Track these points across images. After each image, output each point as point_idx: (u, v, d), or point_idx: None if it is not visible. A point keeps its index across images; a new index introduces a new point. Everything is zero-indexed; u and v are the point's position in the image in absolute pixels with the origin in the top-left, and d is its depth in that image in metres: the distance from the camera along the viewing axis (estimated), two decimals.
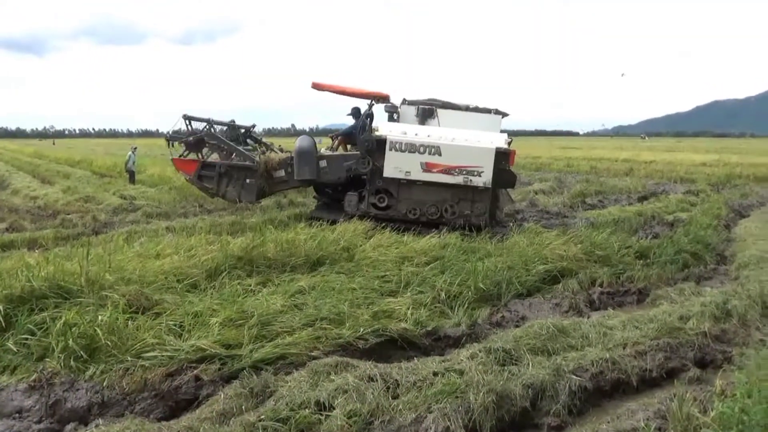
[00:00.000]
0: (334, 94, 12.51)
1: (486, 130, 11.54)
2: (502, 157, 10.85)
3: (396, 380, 4.18)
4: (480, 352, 4.61)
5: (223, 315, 5.30)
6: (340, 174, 11.30)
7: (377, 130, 11.17)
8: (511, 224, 11.45)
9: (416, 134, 10.88)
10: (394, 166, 10.78)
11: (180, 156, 11.97)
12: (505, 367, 4.45)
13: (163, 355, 4.61)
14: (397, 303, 5.91)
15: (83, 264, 6.10)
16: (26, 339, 4.92)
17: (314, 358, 4.70)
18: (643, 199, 17.47)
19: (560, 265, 7.70)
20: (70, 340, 4.65)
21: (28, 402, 4.21)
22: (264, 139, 13.92)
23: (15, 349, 4.83)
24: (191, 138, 11.55)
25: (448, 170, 10.73)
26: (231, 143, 11.88)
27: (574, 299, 6.64)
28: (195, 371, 4.44)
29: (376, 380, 4.14)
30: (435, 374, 4.28)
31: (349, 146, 12.42)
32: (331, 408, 3.80)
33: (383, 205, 11.08)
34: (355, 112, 12.21)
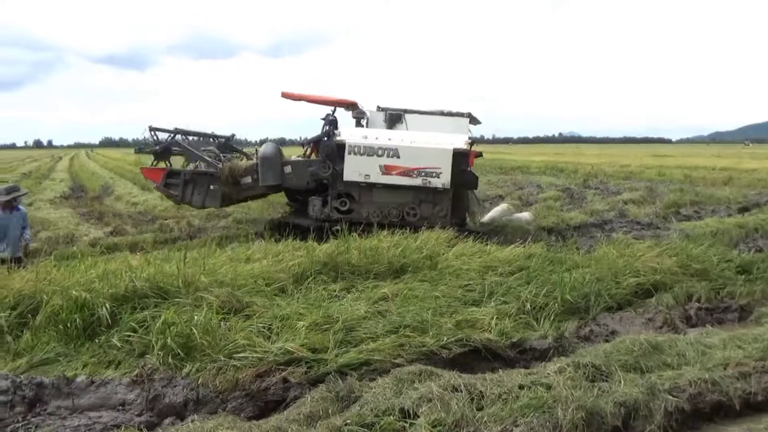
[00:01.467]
0: (305, 103, 12.63)
1: (452, 132, 11.57)
2: (461, 157, 10.90)
3: (480, 391, 4.12)
4: (568, 366, 4.46)
5: (310, 319, 5.43)
6: (306, 179, 11.48)
7: (338, 136, 11.30)
8: (570, 234, 11.03)
9: (376, 138, 11.07)
10: (353, 170, 10.92)
11: (151, 165, 12.24)
12: (595, 384, 4.28)
13: (253, 356, 4.77)
14: (480, 313, 5.84)
15: (180, 266, 6.44)
16: (129, 336, 5.24)
17: (398, 365, 4.72)
18: (744, 210, 16.34)
19: (653, 279, 7.32)
20: (169, 338, 4.91)
21: (130, 395, 4.48)
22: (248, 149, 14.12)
23: (119, 345, 5.16)
24: (158, 147, 11.83)
25: (406, 172, 10.81)
26: (194, 151, 12.04)
27: (668, 314, 6.31)
28: (283, 373, 4.58)
29: (461, 390, 4.10)
30: (521, 387, 4.18)
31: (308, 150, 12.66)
32: (415, 416, 3.80)
33: (345, 208, 11.25)
34: (329, 118, 12.26)
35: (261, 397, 4.44)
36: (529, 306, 6.13)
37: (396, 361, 4.80)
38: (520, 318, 5.92)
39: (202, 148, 12.30)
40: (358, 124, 12.14)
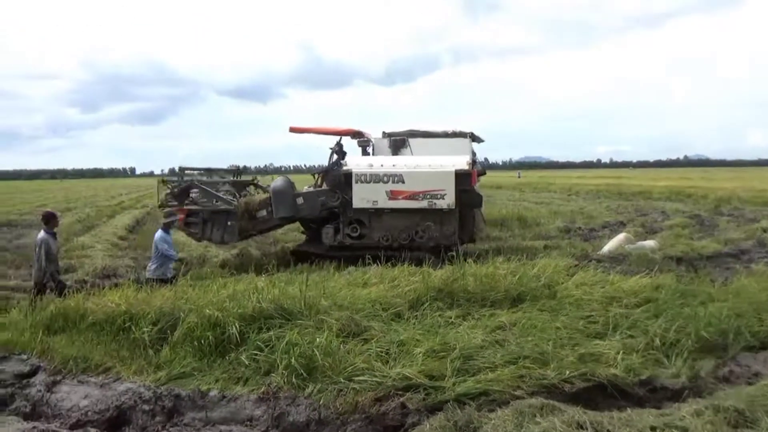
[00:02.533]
0: (313, 134, 13.22)
1: (454, 153, 12.07)
2: (463, 178, 11.41)
3: (608, 430, 3.90)
4: (706, 409, 4.11)
5: (426, 345, 5.42)
6: (318, 209, 11.88)
7: (345, 165, 11.83)
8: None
9: (381, 165, 11.64)
10: (361, 197, 11.51)
11: (160, 205, 12.54)
12: (738, 430, 3.92)
13: (372, 380, 4.84)
14: (604, 346, 5.54)
15: (302, 289, 6.69)
16: (256, 354, 5.51)
17: (517, 397, 4.59)
18: None
19: None
20: (293, 358, 5.12)
21: (257, 411, 4.69)
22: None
23: (247, 363, 5.44)
24: (176, 189, 12.05)
25: (412, 196, 11.40)
26: (210, 191, 12.28)
27: None
28: (401, 399, 4.60)
29: (586, 428, 3.90)
30: (652, 429, 3.91)
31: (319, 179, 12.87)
32: None
33: (356, 234, 11.73)
34: (338, 147, 12.79)
35: (380, 422, 4.48)
36: (658, 341, 5.73)
37: (516, 392, 4.66)
38: (648, 354, 5.54)
39: (221, 186, 12.68)
40: (364, 152, 12.60)
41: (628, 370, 5.11)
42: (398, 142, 12.75)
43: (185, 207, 11.75)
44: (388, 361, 5.21)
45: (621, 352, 5.39)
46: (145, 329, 6.18)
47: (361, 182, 11.53)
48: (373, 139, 12.92)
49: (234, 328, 5.85)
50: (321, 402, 4.66)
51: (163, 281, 8.53)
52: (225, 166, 14.04)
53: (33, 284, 8.43)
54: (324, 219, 12.17)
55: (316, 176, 13.14)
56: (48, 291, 7.94)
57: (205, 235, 11.89)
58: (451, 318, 6.39)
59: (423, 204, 11.41)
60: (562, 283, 7.62)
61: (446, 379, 4.85)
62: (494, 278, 7.42)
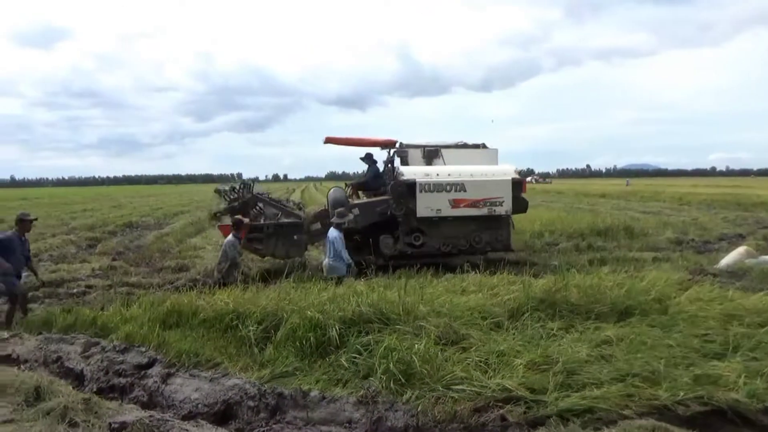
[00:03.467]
0: (348, 146, 13.23)
1: (488, 163, 12.66)
2: (517, 185, 12.11)
3: None
4: None
5: (527, 357, 5.26)
6: (372, 219, 11.87)
7: (402, 175, 11.81)
8: None
9: (442, 174, 11.86)
10: (425, 206, 11.68)
11: (215, 215, 12.46)
12: None
13: (470, 390, 4.76)
14: (724, 368, 5.11)
15: (401, 294, 6.71)
16: (355, 357, 5.58)
17: (625, 417, 4.34)
18: None
19: None
20: (391, 363, 5.13)
21: (356, 414, 4.73)
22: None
23: (346, 365, 5.52)
24: (236, 203, 11.56)
25: (473, 204, 11.81)
26: (278, 204, 12.16)
27: None
28: (501, 411, 4.47)
29: None
30: None
31: (360, 192, 12.91)
32: None
33: (419, 243, 11.85)
34: (368, 158, 13.10)
35: None
36: None
37: (623, 412, 4.40)
38: None
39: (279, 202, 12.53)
40: (404, 161, 12.52)
41: (751, 396, 4.67)
42: (432, 153, 12.94)
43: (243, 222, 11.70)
44: (487, 371, 5.10)
45: (743, 375, 4.95)
46: (250, 328, 6.44)
47: (425, 191, 11.73)
48: (410, 150, 12.94)
49: (334, 331, 5.96)
50: (419, 408, 4.63)
51: (339, 278, 9.03)
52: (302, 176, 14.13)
53: (216, 281, 9.20)
54: (368, 230, 12.07)
55: (348, 186, 13.43)
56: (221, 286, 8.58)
57: (268, 250, 11.68)
58: (553, 330, 6.17)
59: (483, 211, 11.89)
60: (675, 298, 7.16)
61: (548, 393, 4.67)
62: (599, 290, 7.09)
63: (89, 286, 10.96)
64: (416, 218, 11.76)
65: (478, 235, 12.06)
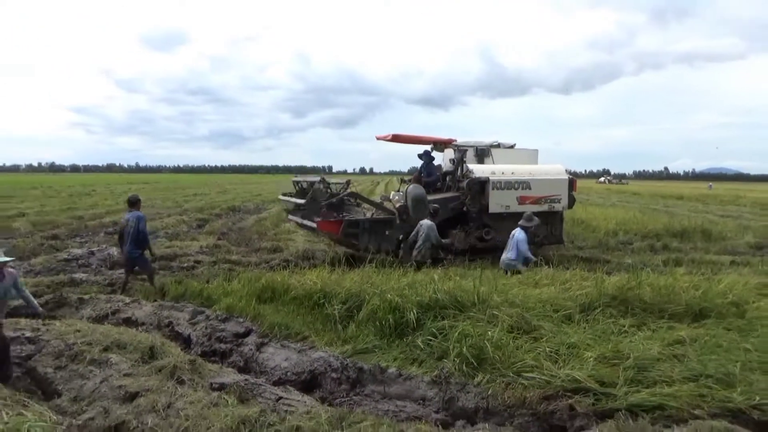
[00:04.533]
0: (411, 143, 13.27)
1: (530, 162, 12.91)
2: (572, 184, 12.37)
3: None
4: None
5: (597, 351, 5.05)
6: (446, 215, 11.63)
7: (473, 173, 11.86)
8: None
9: (507, 173, 11.95)
10: (496, 202, 11.74)
11: (296, 209, 12.25)
12: None
13: (540, 378, 4.63)
14: None
15: (476, 284, 6.62)
16: (430, 340, 5.57)
17: (697, 417, 4.07)
18: None
19: None
20: (464, 347, 5.08)
21: (430, 393, 4.72)
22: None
23: (422, 347, 5.52)
24: (334, 200, 11.25)
25: (537, 200, 11.97)
26: (371, 200, 12.08)
27: None
28: (570, 401, 4.33)
29: None
30: None
31: (407, 185, 12.34)
32: None
33: (489, 237, 11.78)
34: (426, 155, 13.09)
35: (546, 420, 4.26)
36: None
37: (695, 411, 4.14)
38: None
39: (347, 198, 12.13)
40: (461, 159, 12.40)
41: None
42: (484, 152, 12.99)
43: (339, 217, 11.31)
44: (557, 362, 4.94)
45: None
46: (336, 306, 6.57)
47: (497, 189, 11.82)
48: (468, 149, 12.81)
49: (412, 314, 5.97)
50: (489, 392, 4.56)
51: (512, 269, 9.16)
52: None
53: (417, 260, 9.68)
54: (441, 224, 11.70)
55: (403, 182, 13.31)
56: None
57: (363, 244, 11.41)
58: (624, 326, 5.88)
59: (544, 207, 12.04)
60: (753, 303, 6.64)
61: (618, 387, 4.47)
62: (674, 290, 6.68)
63: (197, 262, 11.53)
64: (488, 214, 11.76)
65: (537, 230, 11.63)
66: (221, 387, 4.55)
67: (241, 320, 6.63)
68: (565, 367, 4.78)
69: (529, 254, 9.19)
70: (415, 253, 9.82)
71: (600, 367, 4.77)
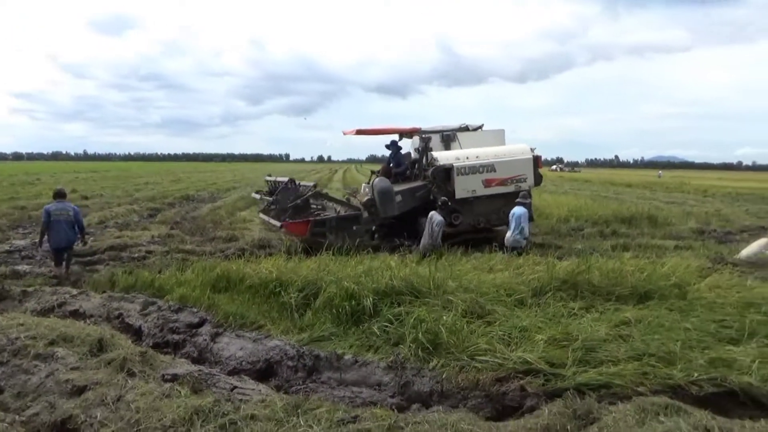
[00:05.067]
0: (377, 135, 13.30)
1: (498, 144, 13.01)
2: (536, 162, 12.54)
3: None
4: None
5: (548, 333, 5.20)
6: (413, 204, 11.78)
7: (438, 161, 11.95)
8: None
9: (471, 157, 12.05)
10: (462, 188, 11.83)
11: (263, 210, 12.56)
12: None
13: (493, 361, 4.74)
14: (738, 353, 4.94)
15: (431, 270, 6.70)
16: (386, 326, 5.62)
17: (640, 393, 4.25)
18: None
19: None
20: (420, 333, 5.15)
21: (385, 378, 4.77)
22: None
23: (378, 333, 5.56)
24: (299, 201, 11.42)
25: (502, 182, 12.10)
26: (339, 199, 12.31)
27: None
28: (521, 382, 4.45)
29: None
30: None
31: (376, 177, 12.54)
32: None
33: (458, 222, 11.83)
34: (393, 145, 13.13)
35: (499, 401, 4.37)
36: None
37: (638, 389, 4.31)
38: None
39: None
40: (426, 145, 12.52)
41: (764, 380, 4.52)
42: (449, 137, 13.12)
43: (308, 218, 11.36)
44: (509, 345, 5.07)
45: (757, 360, 4.78)
46: (292, 295, 6.54)
47: (462, 174, 11.89)
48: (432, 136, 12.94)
49: (368, 301, 6.01)
50: (444, 376, 4.64)
51: (517, 249, 9.33)
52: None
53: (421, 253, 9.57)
54: (409, 213, 11.97)
55: (372, 173, 13.31)
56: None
57: (331, 241, 11.16)
58: (574, 309, 6.07)
59: (511, 188, 12.11)
60: (694, 285, 6.96)
61: (567, 367, 4.62)
62: (621, 274, 6.93)
63: (149, 252, 11.26)
64: (455, 200, 11.75)
65: (506, 210, 11.82)
66: (174, 378, 4.48)
67: (195, 310, 6.52)
68: (517, 350, 4.91)
69: (527, 230, 9.46)
70: (421, 248, 9.81)
71: (550, 349, 4.91)
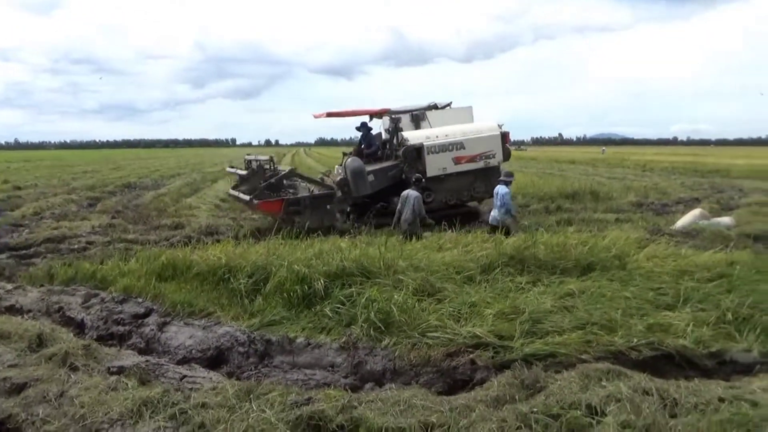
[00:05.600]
0: (347, 117, 13.49)
1: (466, 121, 13.37)
2: (504, 138, 12.87)
3: (674, 399, 3.69)
4: None
5: (496, 308, 5.33)
6: (386, 183, 12.05)
7: (408, 141, 12.26)
8: None
9: (441, 135, 12.36)
10: (434, 166, 12.16)
11: (233, 187, 12.83)
12: None
13: (444, 337, 4.83)
14: (674, 318, 5.23)
15: (381, 250, 6.73)
16: (338, 308, 5.62)
17: (584, 361, 4.44)
18: None
19: None
20: (371, 313, 5.18)
21: (338, 359, 4.80)
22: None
23: (330, 315, 5.56)
24: (273, 180, 11.51)
25: (471, 159, 12.44)
26: (312, 178, 12.49)
27: None
28: (471, 355, 4.56)
29: (652, 394, 3.72)
30: (721, 400, 3.67)
31: (348, 158, 12.69)
32: (602, 414, 3.53)
33: (430, 199, 12.01)
34: (364, 126, 13.36)
35: (450, 375, 4.48)
36: (730, 316, 5.34)
37: (582, 356, 4.51)
38: (719, 328, 5.18)
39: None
40: (396, 126, 12.74)
41: (698, 342, 4.81)
42: (419, 117, 13.42)
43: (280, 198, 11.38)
44: (459, 320, 5.18)
45: (691, 324, 5.07)
46: (241, 281, 6.44)
47: (432, 153, 12.19)
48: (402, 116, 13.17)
49: (319, 284, 5.98)
50: (396, 354, 4.71)
51: (494, 227, 9.40)
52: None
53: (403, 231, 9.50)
54: (381, 192, 12.16)
55: (344, 155, 13.32)
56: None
57: (306, 220, 11.20)
58: (521, 283, 6.24)
59: (480, 164, 12.51)
60: (633, 255, 7.26)
61: (515, 339, 4.76)
62: (565, 248, 7.15)
63: (89, 242, 10.84)
64: (426, 178, 11.85)
65: (476, 186, 12.69)
66: (120, 370, 4.37)
67: (141, 300, 6.35)
68: (467, 325, 5.02)
69: (513, 208, 9.64)
70: (404, 225, 9.69)
71: (499, 323, 5.04)
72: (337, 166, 13.55)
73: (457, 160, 12.34)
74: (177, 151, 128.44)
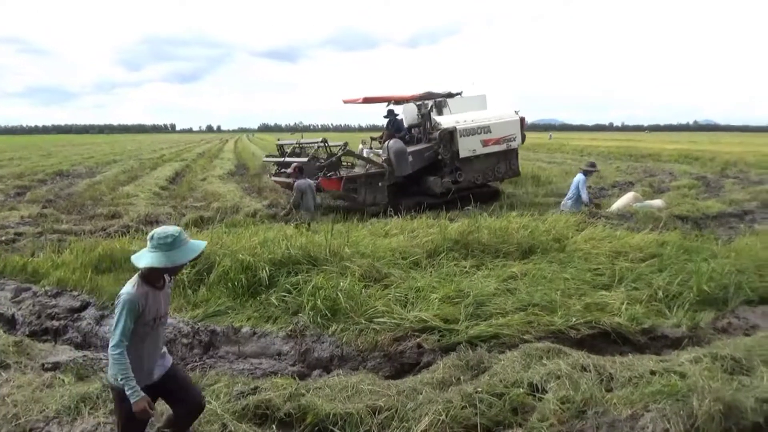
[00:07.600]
0: (383, 103, 14.46)
1: (481, 108, 14.51)
2: (522, 123, 14.18)
3: (610, 373, 3.88)
4: (705, 356, 4.07)
5: (442, 292, 5.43)
6: (422, 164, 12.85)
7: (440, 125, 13.09)
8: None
9: (468, 120, 13.31)
10: (465, 148, 13.12)
11: (275, 174, 13.63)
12: (734, 377, 3.87)
13: (390, 322, 4.88)
14: (610, 297, 5.49)
15: (328, 238, 6.71)
16: (285, 296, 5.58)
17: (526, 341, 4.59)
18: None
19: None
20: (318, 300, 5.16)
21: (285, 347, 4.77)
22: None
23: (276, 303, 5.51)
24: (333, 158, 12.05)
25: (497, 141, 13.64)
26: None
27: None
28: (418, 339, 4.63)
29: (589, 370, 3.89)
30: (653, 373, 3.87)
31: (378, 142, 14.12)
32: (544, 391, 3.67)
33: (461, 179, 13.26)
34: (390, 113, 14.40)
35: (397, 359, 4.53)
36: (661, 294, 5.66)
37: (524, 337, 4.66)
38: (651, 305, 5.49)
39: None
40: (428, 113, 13.60)
41: (632, 320, 5.06)
42: (441, 103, 14.23)
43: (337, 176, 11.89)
44: (406, 305, 5.24)
45: (625, 302, 5.34)
46: (183, 271, 6.27)
47: (464, 136, 13.09)
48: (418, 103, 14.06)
49: (264, 272, 5.91)
50: (344, 340, 4.72)
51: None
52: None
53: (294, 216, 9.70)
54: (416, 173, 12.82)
55: (372, 139, 14.83)
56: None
57: (360, 198, 12.18)
58: (465, 267, 6.38)
59: (503, 147, 13.74)
60: (572, 238, 7.54)
61: (460, 322, 4.86)
62: (507, 231, 7.36)
63: (18, 234, 10.28)
64: (459, 159, 13.05)
65: (499, 167, 13.95)
66: (55, 366, 4.21)
67: (76, 293, 6.09)
68: (414, 310, 5.09)
69: (585, 196, 10.19)
70: (305, 214, 9.54)
71: (444, 307, 5.14)
72: (365, 149, 14.74)
73: (485, 143, 13.39)
74: (112, 137, 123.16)
